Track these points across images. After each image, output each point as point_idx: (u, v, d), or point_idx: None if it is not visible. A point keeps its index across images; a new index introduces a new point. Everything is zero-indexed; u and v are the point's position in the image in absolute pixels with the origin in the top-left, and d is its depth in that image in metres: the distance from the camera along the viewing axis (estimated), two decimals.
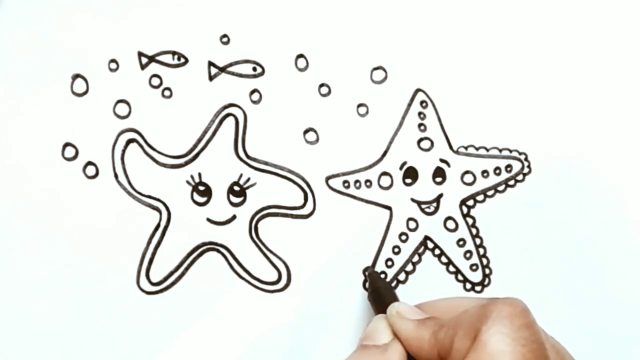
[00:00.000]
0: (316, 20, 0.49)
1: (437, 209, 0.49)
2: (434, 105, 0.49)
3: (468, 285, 0.49)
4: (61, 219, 0.48)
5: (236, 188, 0.49)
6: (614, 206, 0.50)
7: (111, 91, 0.48)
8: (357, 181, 0.49)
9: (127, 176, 0.48)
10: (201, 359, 0.48)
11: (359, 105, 0.49)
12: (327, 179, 0.49)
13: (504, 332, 0.37)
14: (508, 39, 0.50)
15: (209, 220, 0.48)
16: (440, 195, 0.49)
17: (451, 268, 0.49)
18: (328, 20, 0.49)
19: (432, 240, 0.49)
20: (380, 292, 0.46)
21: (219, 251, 0.48)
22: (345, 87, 0.49)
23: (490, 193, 0.50)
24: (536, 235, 0.49)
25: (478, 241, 0.49)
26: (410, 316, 0.42)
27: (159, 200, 0.48)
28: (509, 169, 0.50)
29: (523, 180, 0.50)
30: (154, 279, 0.48)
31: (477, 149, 0.50)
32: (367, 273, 0.49)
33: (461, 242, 0.49)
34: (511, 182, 0.50)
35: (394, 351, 0.41)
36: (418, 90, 0.49)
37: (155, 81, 0.48)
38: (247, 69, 0.49)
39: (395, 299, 0.45)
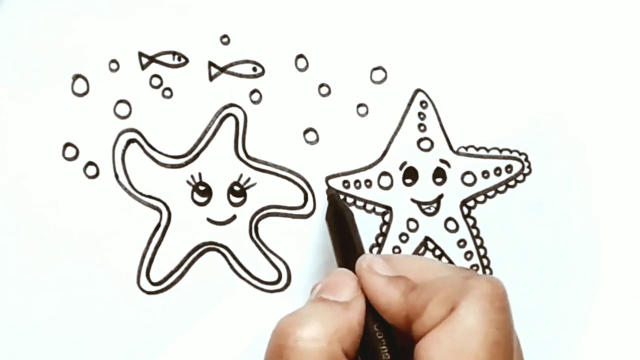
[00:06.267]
0: (316, 20, 0.49)
1: (437, 209, 0.49)
2: (434, 106, 0.49)
3: None
4: (61, 219, 0.48)
5: (236, 188, 0.49)
6: (615, 206, 0.50)
7: (112, 91, 0.48)
8: (357, 181, 0.49)
9: (127, 176, 0.48)
10: (201, 358, 0.48)
11: (359, 105, 0.49)
12: (327, 179, 0.49)
13: (483, 311, 0.37)
14: (508, 39, 0.50)
15: (209, 220, 0.48)
16: (441, 196, 0.49)
17: None
18: (328, 20, 0.49)
19: (432, 241, 0.49)
20: (347, 231, 0.45)
21: (219, 251, 0.48)
22: (345, 87, 0.49)
23: (490, 193, 0.50)
24: (537, 236, 0.49)
25: (479, 242, 0.49)
26: (381, 271, 0.41)
27: (159, 200, 0.48)
28: (509, 169, 0.50)
29: (523, 180, 0.50)
30: (154, 279, 0.48)
31: (477, 149, 0.50)
32: (328, 194, 0.48)
33: (462, 243, 0.49)
34: (511, 183, 0.50)
35: (354, 310, 0.40)
36: (418, 90, 0.49)
37: (156, 81, 0.49)
38: (247, 69, 0.49)
39: (361, 247, 0.44)
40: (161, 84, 0.49)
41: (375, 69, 0.49)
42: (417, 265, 0.42)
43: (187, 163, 0.49)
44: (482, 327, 0.37)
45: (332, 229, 0.46)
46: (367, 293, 0.41)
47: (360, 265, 0.42)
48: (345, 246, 0.44)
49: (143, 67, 0.49)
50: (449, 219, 0.49)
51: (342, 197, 0.49)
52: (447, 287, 0.39)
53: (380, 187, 0.49)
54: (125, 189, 0.48)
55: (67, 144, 0.48)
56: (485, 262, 0.49)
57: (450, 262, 0.49)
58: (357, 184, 0.49)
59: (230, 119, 0.49)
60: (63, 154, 0.48)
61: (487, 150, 0.49)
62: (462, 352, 0.37)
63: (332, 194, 0.48)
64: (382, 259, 0.42)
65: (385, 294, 0.40)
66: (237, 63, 0.49)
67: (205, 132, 0.49)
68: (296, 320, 0.39)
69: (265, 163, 0.49)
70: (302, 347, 0.38)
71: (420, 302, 0.39)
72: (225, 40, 0.49)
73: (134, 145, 0.48)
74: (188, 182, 0.48)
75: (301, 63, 0.49)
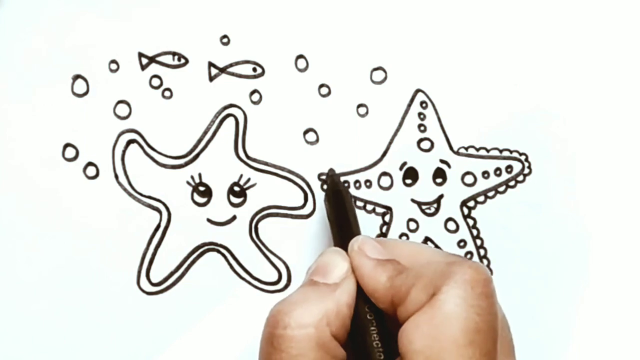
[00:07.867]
0: (316, 21, 0.49)
1: (437, 209, 0.49)
2: (434, 106, 0.49)
3: None
4: (61, 219, 0.48)
5: (236, 188, 0.49)
6: (615, 206, 0.50)
7: (111, 92, 0.48)
8: (357, 181, 0.49)
9: (127, 177, 0.48)
10: (201, 359, 0.48)
11: (359, 106, 0.49)
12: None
13: (463, 297, 0.37)
14: (508, 39, 0.50)
15: (209, 220, 0.48)
16: (441, 196, 0.49)
17: None
18: (328, 20, 0.49)
19: (432, 241, 0.49)
20: (344, 211, 0.45)
21: (219, 251, 0.48)
22: (345, 87, 0.49)
23: (490, 194, 0.50)
24: (537, 236, 0.49)
25: (479, 242, 0.49)
26: (371, 254, 0.41)
27: (159, 200, 0.48)
28: (509, 169, 0.50)
29: (523, 180, 0.50)
30: (154, 279, 0.48)
31: (477, 149, 0.50)
32: (328, 174, 0.48)
33: (462, 243, 0.49)
34: (511, 183, 0.50)
35: (343, 292, 0.40)
36: (418, 90, 0.49)
37: (156, 82, 0.49)
38: (247, 69, 0.49)
39: (357, 228, 0.44)
40: (161, 85, 0.49)
41: (375, 69, 0.49)
42: (410, 250, 0.42)
43: (187, 164, 0.49)
44: (462, 312, 0.37)
45: (330, 209, 0.46)
46: (356, 275, 0.41)
47: (352, 246, 0.42)
48: (342, 226, 0.45)
49: (143, 67, 0.49)
50: (449, 219, 0.49)
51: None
52: (430, 272, 0.39)
53: (380, 187, 0.49)
54: (125, 189, 0.48)
55: (67, 145, 0.48)
56: (485, 262, 0.49)
57: None
58: (357, 184, 0.49)
59: (230, 120, 0.49)
60: (63, 155, 0.48)
61: (487, 151, 0.49)
62: (441, 337, 0.37)
63: (331, 175, 0.48)
64: (375, 241, 0.42)
65: (373, 277, 0.40)
66: (237, 63, 0.49)
67: (205, 132, 0.49)
68: (285, 307, 0.39)
69: (265, 163, 0.49)
70: (290, 334, 0.38)
71: (404, 287, 0.39)
72: (225, 40, 0.49)
73: (133, 146, 0.48)
74: (188, 182, 0.48)
75: (301, 63, 0.49)
